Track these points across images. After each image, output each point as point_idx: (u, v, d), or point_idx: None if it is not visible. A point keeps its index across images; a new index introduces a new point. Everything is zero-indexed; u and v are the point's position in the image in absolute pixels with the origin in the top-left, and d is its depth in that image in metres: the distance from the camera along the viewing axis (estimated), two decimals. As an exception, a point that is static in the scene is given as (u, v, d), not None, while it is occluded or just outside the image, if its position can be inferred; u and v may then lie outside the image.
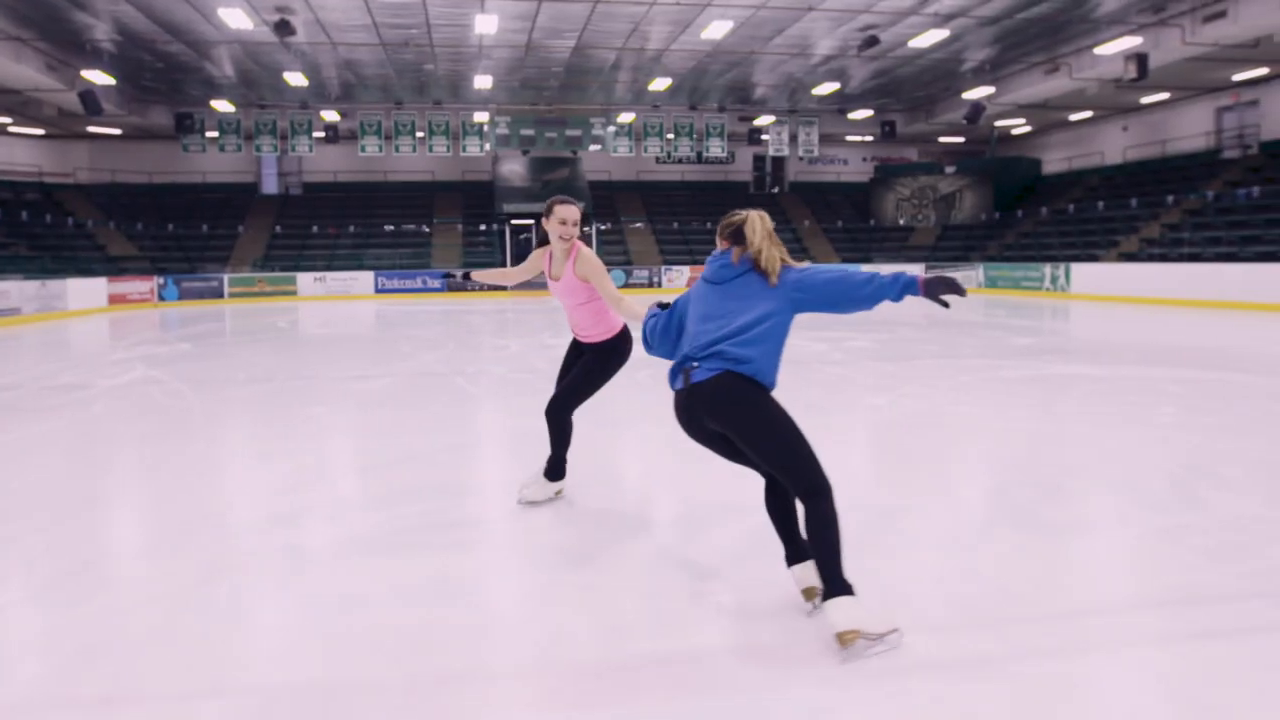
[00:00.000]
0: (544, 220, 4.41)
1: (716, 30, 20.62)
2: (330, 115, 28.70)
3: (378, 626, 3.18)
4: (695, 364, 3.05)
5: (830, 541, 2.90)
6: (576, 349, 4.63)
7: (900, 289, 2.93)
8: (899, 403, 7.91)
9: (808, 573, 3.22)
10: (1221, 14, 18.72)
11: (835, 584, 2.88)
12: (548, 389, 4.79)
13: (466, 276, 4.74)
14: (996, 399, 8.01)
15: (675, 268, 31.65)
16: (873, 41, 21.15)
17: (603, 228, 33.57)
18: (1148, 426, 6.65)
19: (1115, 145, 31.87)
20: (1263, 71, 24.68)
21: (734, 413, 2.99)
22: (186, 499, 5.03)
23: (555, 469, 4.60)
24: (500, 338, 14.80)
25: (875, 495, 4.77)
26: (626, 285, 30.75)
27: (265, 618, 3.32)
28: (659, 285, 31.11)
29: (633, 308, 4.12)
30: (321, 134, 29.16)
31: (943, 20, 20.23)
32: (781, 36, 21.84)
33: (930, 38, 21.25)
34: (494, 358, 11.86)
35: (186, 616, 3.30)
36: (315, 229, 32.48)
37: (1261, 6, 17.94)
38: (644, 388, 8.50)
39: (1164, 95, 28.12)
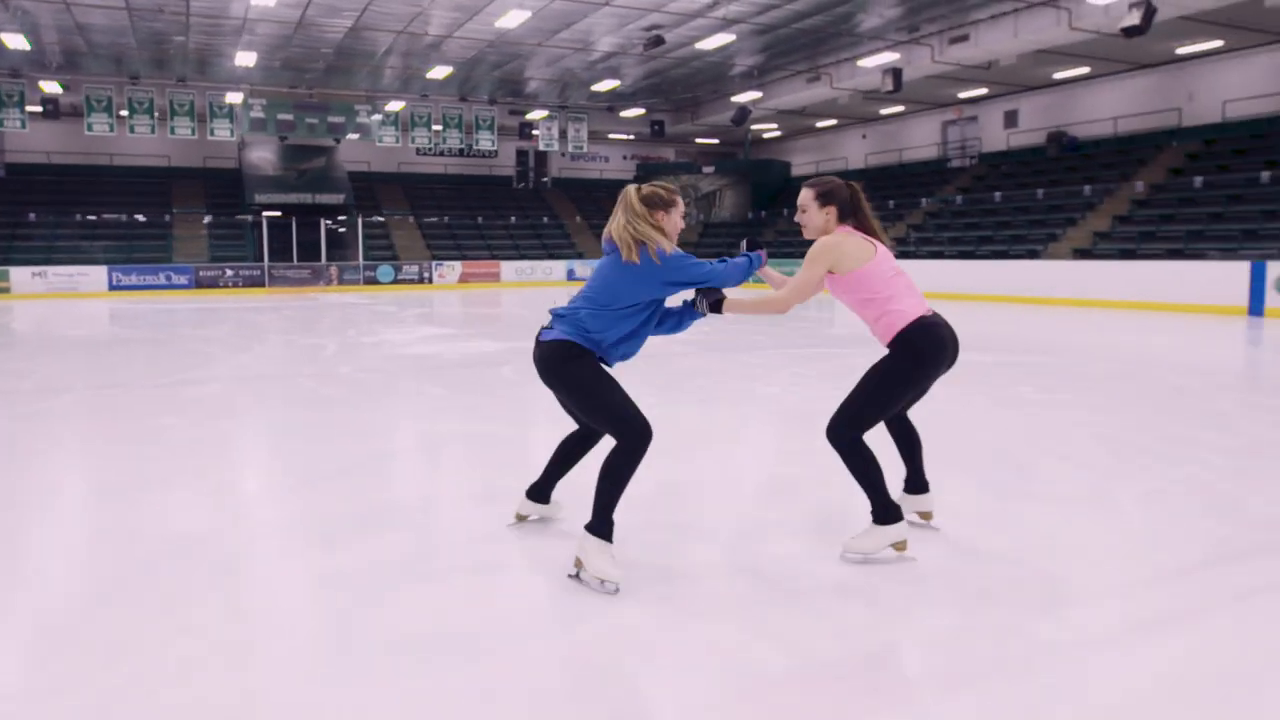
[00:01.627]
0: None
1: (512, 19, 20.16)
2: (51, 87, 25.11)
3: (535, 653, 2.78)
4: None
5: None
6: None
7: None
8: (790, 390, 8.12)
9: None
10: (965, 37, 20.93)
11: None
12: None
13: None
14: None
15: (446, 263, 30.74)
16: (658, 41, 21.59)
17: (366, 220, 31.85)
18: (1023, 406, 7.20)
19: (857, 152, 34.74)
20: (983, 91, 27.90)
21: None
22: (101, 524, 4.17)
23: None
24: (307, 335, 13.57)
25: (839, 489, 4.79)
26: (396, 281, 29.52)
27: (338, 642, 2.80)
28: (430, 281, 30.07)
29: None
30: (39, 108, 25.45)
31: (727, 25, 21.05)
32: (568, 30, 21.77)
33: (715, 41, 22.04)
34: (323, 357, 10.80)
35: (201, 653, 2.72)
36: (33, 216, 28.27)
37: (999, 33, 20.25)
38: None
39: (900, 108, 31.03)
